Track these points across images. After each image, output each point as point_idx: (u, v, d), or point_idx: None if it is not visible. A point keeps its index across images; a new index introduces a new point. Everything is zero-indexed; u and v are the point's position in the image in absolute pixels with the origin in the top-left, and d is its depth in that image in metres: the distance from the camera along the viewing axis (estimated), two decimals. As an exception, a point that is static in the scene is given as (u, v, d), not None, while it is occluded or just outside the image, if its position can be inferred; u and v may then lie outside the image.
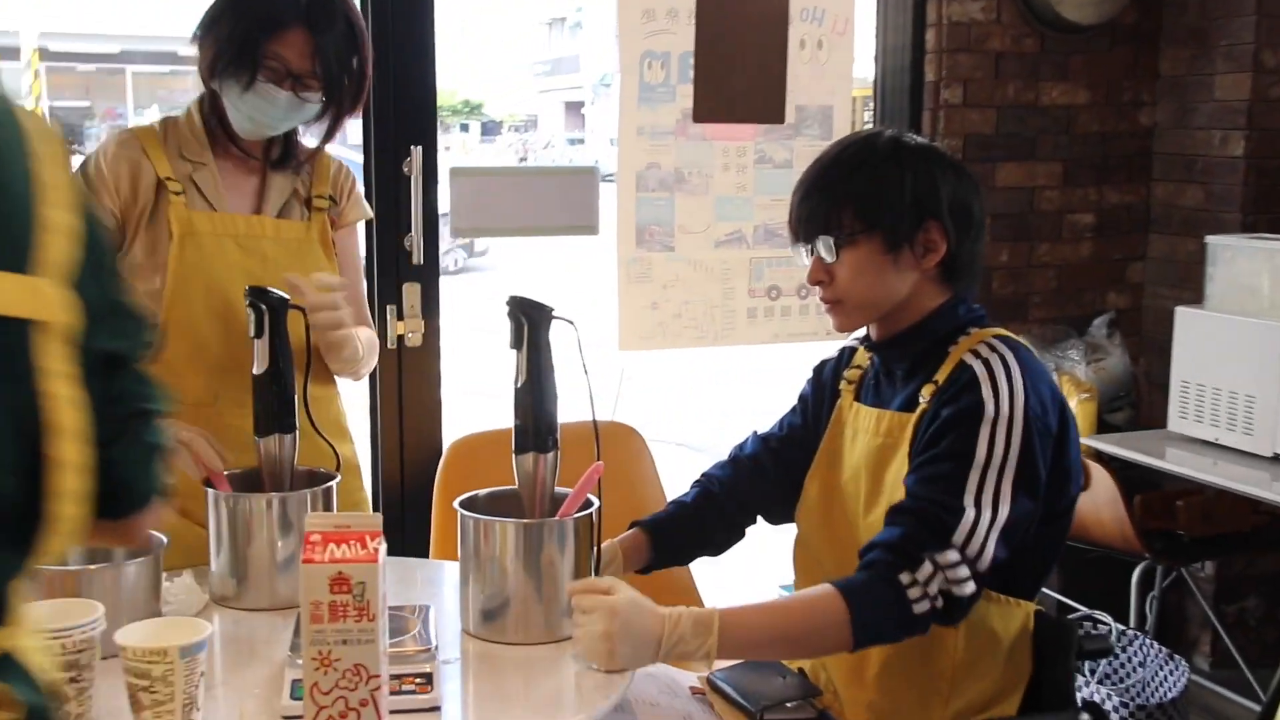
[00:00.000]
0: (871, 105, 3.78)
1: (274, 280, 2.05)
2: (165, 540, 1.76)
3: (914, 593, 1.68)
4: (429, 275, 3.15)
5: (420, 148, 3.07)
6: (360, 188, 2.33)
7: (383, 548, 1.39)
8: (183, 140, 2.15)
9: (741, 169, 3.39)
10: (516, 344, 1.79)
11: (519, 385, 1.80)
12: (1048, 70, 3.64)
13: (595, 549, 1.89)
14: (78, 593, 1.62)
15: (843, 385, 2.02)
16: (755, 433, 2.14)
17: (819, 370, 2.11)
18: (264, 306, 1.94)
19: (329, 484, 1.94)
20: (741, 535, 2.13)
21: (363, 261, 2.38)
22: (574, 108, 31.70)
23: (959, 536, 1.70)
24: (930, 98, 3.59)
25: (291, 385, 1.97)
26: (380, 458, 3.18)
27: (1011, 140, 3.61)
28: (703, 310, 3.40)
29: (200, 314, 2.08)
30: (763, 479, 2.09)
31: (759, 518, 2.13)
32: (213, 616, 1.84)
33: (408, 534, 3.04)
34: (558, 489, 1.85)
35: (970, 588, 1.70)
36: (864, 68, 3.63)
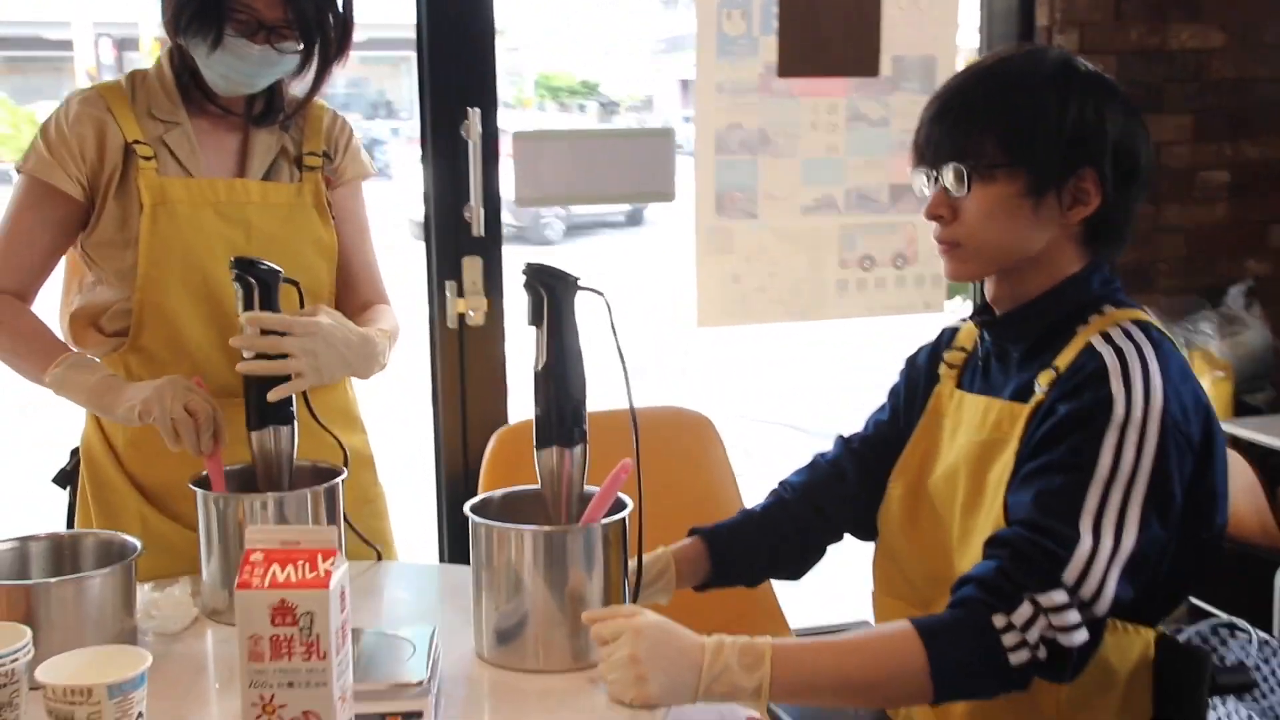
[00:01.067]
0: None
1: (260, 252, 1.82)
2: (139, 547, 1.55)
3: (1010, 640, 1.39)
4: (491, 248, 2.91)
5: (478, 110, 2.83)
6: (358, 141, 2.07)
7: (339, 569, 1.15)
8: (153, 97, 1.90)
9: (832, 128, 3.09)
10: (535, 320, 1.53)
11: (538, 369, 1.54)
12: (1176, 10, 3.28)
13: (637, 560, 1.63)
14: (31, 610, 1.41)
15: (942, 369, 1.73)
16: (840, 436, 1.86)
17: (912, 359, 1.82)
18: (252, 280, 1.71)
19: (334, 481, 1.71)
20: (820, 554, 1.85)
21: (368, 224, 2.10)
22: (689, 85, 31.37)
23: (1071, 572, 1.40)
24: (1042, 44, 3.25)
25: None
26: (441, 446, 2.97)
27: (1135, 90, 3.24)
28: (788, 283, 3.12)
29: (178, 294, 1.84)
30: (843, 485, 1.81)
31: (845, 534, 1.84)
32: (205, 633, 1.63)
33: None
34: (588, 488, 1.59)
35: (1081, 636, 1.39)
36: (968, 13, 3.29)
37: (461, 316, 2.90)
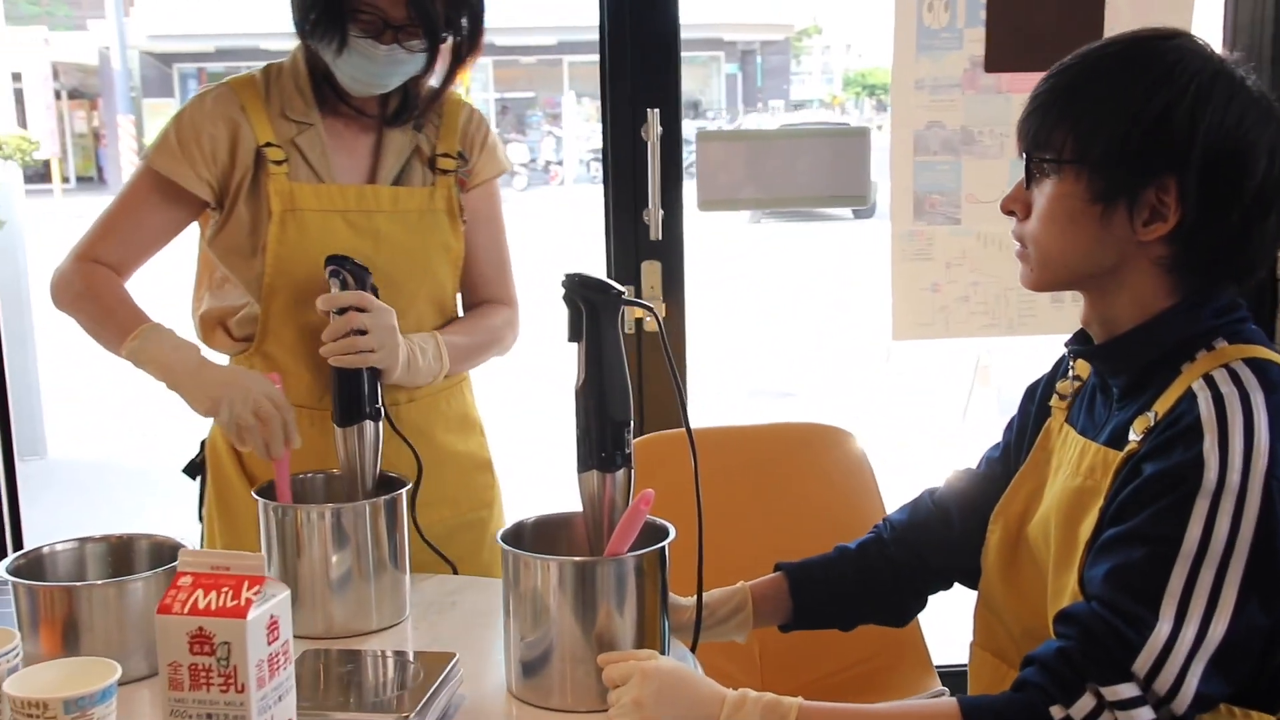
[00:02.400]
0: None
1: (388, 261, 1.80)
2: (188, 544, 1.54)
3: None
4: (671, 252, 2.82)
5: (657, 110, 2.75)
6: (495, 138, 1.99)
7: (273, 598, 1.08)
8: (287, 96, 1.86)
9: (1044, 125, 2.83)
10: (574, 335, 1.44)
11: (578, 386, 1.44)
12: None
13: (697, 595, 1.51)
14: (73, 613, 1.42)
15: (1054, 401, 1.53)
16: (953, 473, 1.68)
17: (1032, 388, 1.61)
18: (344, 274, 1.70)
19: (395, 492, 1.66)
20: (922, 602, 1.68)
21: (502, 222, 2.03)
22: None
23: (1143, 662, 1.20)
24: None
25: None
26: (617, 454, 2.90)
27: None
28: (994, 293, 2.88)
29: (304, 304, 1.81)
30: (946, 528, 1.63)
31: (953, 582, 1.66)
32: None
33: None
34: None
35: None
36: (1209, -3, 2.96)
37: (639, 322, 2.82)
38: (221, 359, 1.89)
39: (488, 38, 1.86)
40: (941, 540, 1.62)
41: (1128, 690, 1.19)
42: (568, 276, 1.43)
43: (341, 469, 1.71)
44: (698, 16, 21.89)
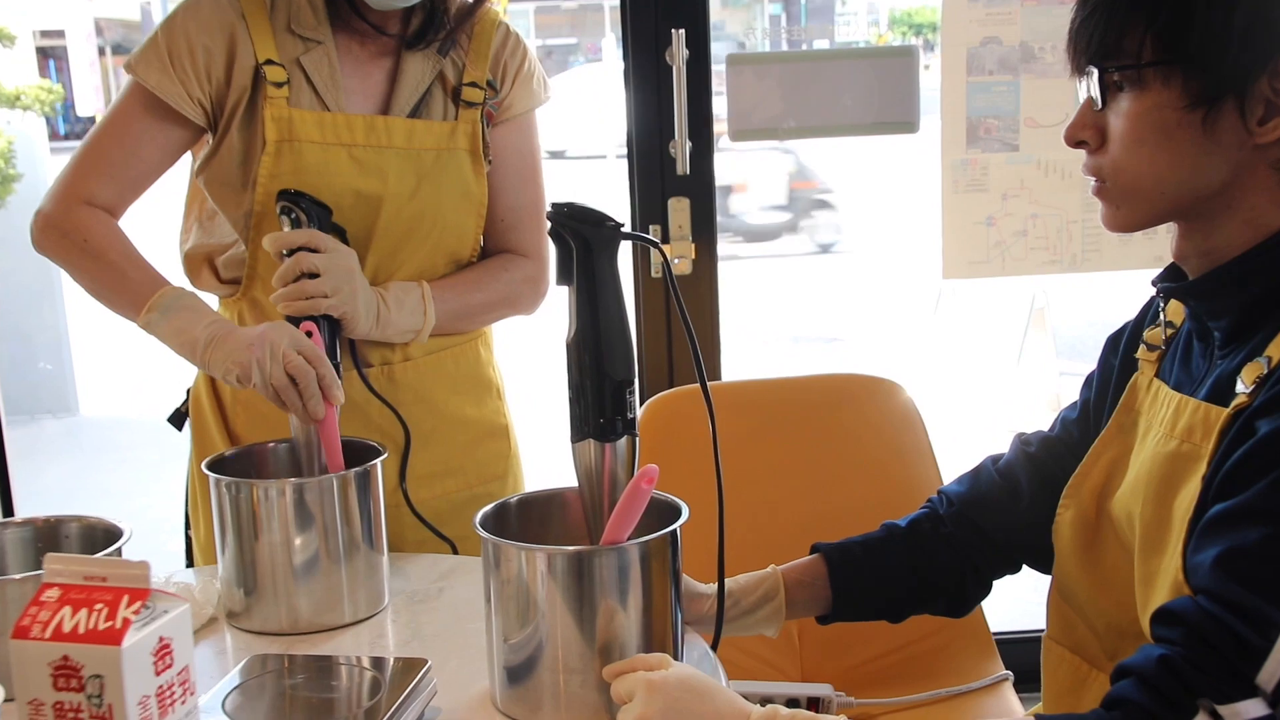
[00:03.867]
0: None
1: (395, 206, 1.57)
2: (125, 534, 1.31)
3: None
4: (700, 188, 2.57)
5: (682, 31, 2.48)
6: (534, 64, 1.71)
7: (162, 618, 0.86)
8: (295, 7, 1.58)
9: (1113, 39, 2.55)
10: (564, 277, 1.20)
11: (569, 339, 1.20)
12: None
13: (718, 583, 1.28)
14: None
15: (1141, 352, 1.28)
16: (1018, 435, 1.43)
17: (1114, 338, 1.36)
18: (299, 213, 1.47)
19: (370, 463, 1.43)
20: (985, 588, 1.43)
21: (537, 161, 1.74)
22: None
23: (1271, 672, 0.95)
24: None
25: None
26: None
27: None
28: (1055, 226, 2.61)
29: None
30: (1014, 501, 1.38)
31: (1020, 564, 1.42)
32: (208, 639, 1.39)
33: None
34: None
35: None
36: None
37: (665, 263, 2.57)
38: (211, 300, 1.66)
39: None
40: (1008, 515, 1.38)
41: (1253, 709, 0.95)
42: (554, 207, 1.19)
43: (295, 437, 1.48)
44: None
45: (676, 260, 2.58)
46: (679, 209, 2.57)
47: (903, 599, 1.41)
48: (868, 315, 7.43)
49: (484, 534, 1.17)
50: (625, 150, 2.59)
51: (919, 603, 1.42)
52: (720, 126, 2.63)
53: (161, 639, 0.87)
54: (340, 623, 1.41)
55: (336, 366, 1.49)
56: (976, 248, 2.63)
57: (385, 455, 1.46)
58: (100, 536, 1.34)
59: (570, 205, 1.19)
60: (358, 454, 1.47)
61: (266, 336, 1.44)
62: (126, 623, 0.84)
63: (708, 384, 1.25)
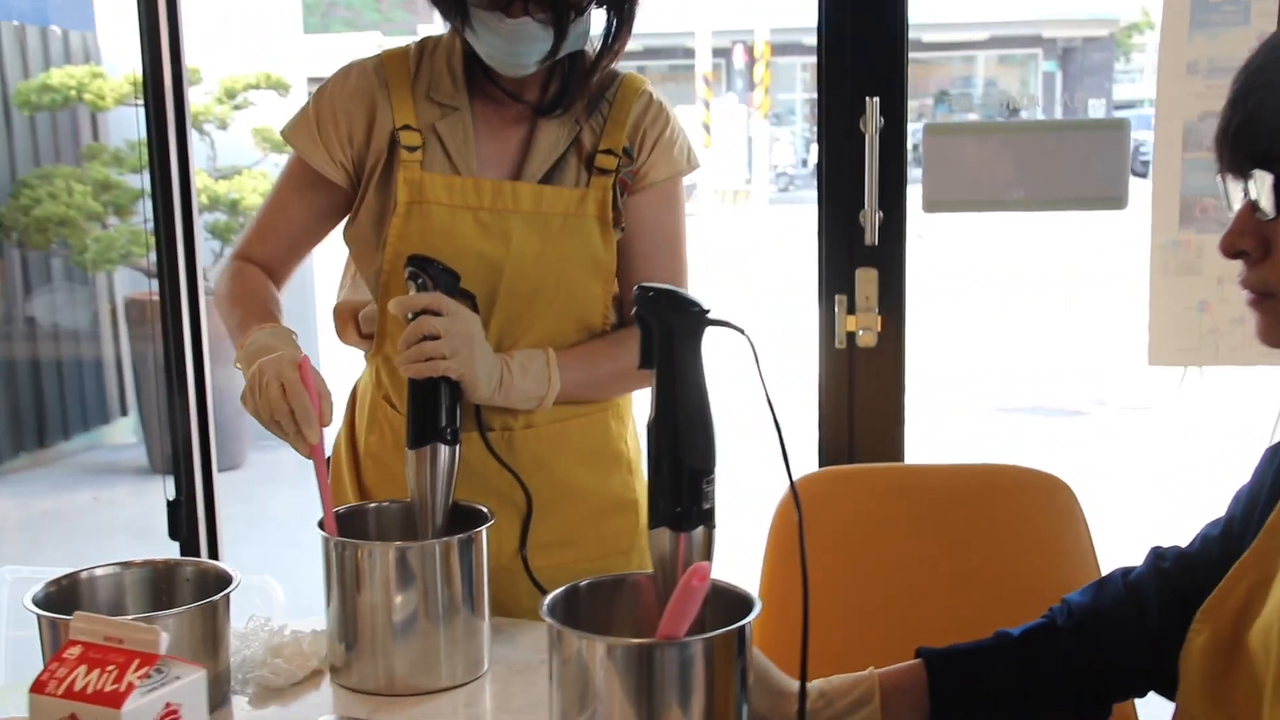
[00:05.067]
0: None
1: (517, 270, 1.59)
2: (234, 581, 1.37)
3: None
4: (890, 259, 2.51)
5: (877, 99, 2.44)
6: (677, 132, 1.70)
7: (173, 684, 0.88)
8: (436, 75, 1.64)
9: (1347, 116, 2.36)
10: (646, 360, 1.18)
11: (649, 422, 1.18)
12: None
13: (800, 684, 1.23)
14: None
15: None
16: (1154, 548, 1.33)
17: (1274, 451, 1.24)
18: (425, 279, 1.50)
19: (477, 530, 1.44)
20: (1105, 711, 1.32)
21: (678, 231, 1.73)
22: None
23: None
24: None
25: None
26: (823, 482, 2.60)
27: None
28: (1276, 316, 2.42)
29: None
30: (1140, 618, 1.27)
31: (1146, 689, 1.31)
32: (308, 695, 1.42)
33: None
34: (722, 583, 1.21)
35: None
36: None
37: (851, 335, 2.52)
38: (357, 355, 1.74)
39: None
40: (1132, 633, 1.27)
41: None
42: (639, 290, 1.17)
43: (411, 498, 1.50)
44: (1014, 13, 20.94)
45: (861, 332, 2.51)
46: (866, 280, 2.51)
47: (1005, 709, 1.32)
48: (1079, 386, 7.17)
49: (547, 617, 1.16)
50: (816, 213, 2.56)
51: (1023, 716, 1.32)
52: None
53: (168, 705, 0.89)
54: (436, 686, 1.42)
55: (456, 430, 1.51)
56: (1187, 334, 2.47)
57: (492, 521, 1.47)
58: (212, 581, 1.40)
59: (656, 289, 1.17)
60: (467, 518, 1.48)
61: (260, 369, 1.46)
62: (130, 687, 0.86)
63: (793, 473, 1.21)
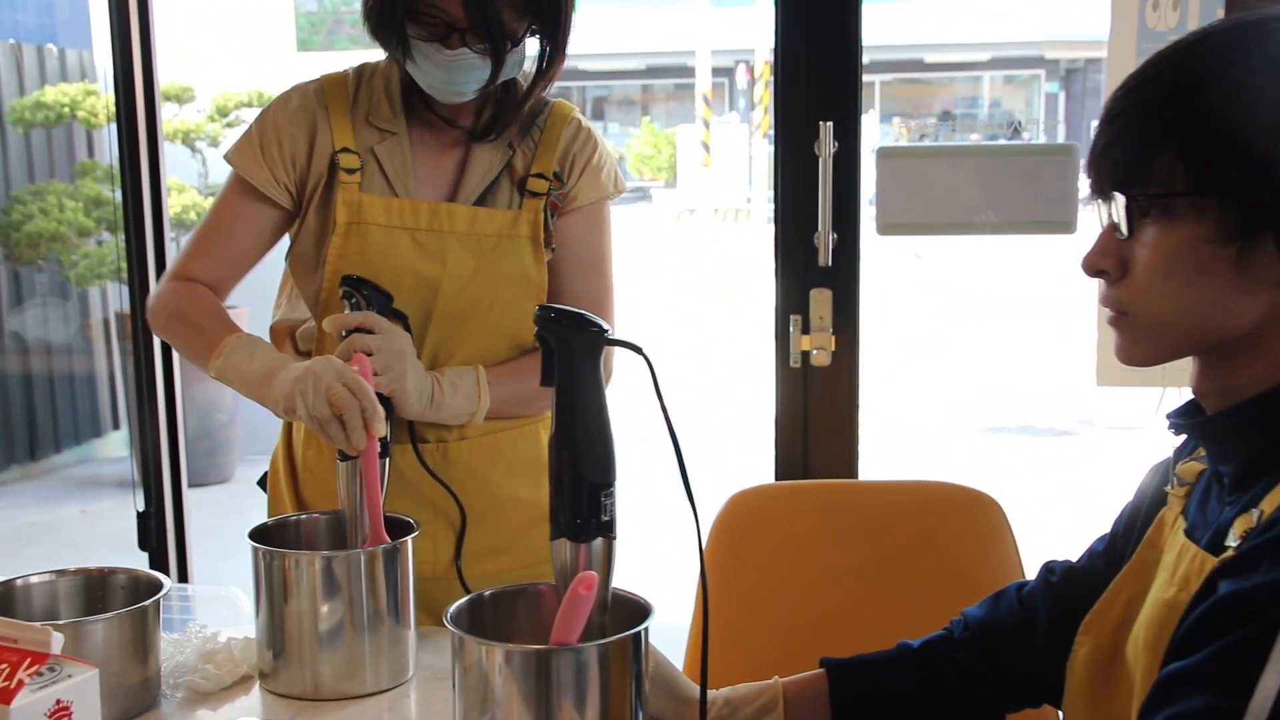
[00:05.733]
0: None
1: (454, 289, 1.64)
2: (164, 587, 1.42)
3: None
4: (843, 280, 2.56)
5: (831, 123, 2.49)
6: (604, 158, 1.77)
7: (64, 681, 0.92)
8: (374, 100, 1.71)
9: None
10: (547, 378, 1.23)
11: (550, 439, 1.23)
12: None
13: (700, 690, 1.27)
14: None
15: (1171, 487, 1.21)
16: (1046, 563, 1.38)
17: (1154, 470, 1.29)
18: (359, 298, 1.55)
19: (402, 540, 1.49)
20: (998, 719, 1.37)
21: (605, 252, 1.80)
22: None
23: None
24: None
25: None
26: (779, 498, 2.65)
27: None
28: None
29: None
30: (1030, 631, 1.33)
31: (1040, 700, 1.35)
32: (237, 699, 1.47)
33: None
34: (623, 592, 1.26)
35: None
36: None
37: (806, 355, 2.57)
38: None
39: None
40: (1022, 645, 1.32)
41: None
42: (540, 309, 1.22)
43: (343, 510, 1.55)
44: (1016, 35, 21.03)
45: (815, 351, 2.56)
46: (820, 300, 2.56)
47: (902, 716, 1.36)
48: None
49: (450, 626, 1.21)
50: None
51: None
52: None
53: (59, 701, 0.94)
54: (360, 691, 1.46)
55: (386, 444, 1.56)
56: (1133, 355, 2.51)
57: (417, 532, 1.52)
58: (144, 588, 1.45)
59: (556, 309, 1.22)
60: (396, 529, 1.53)
61: (311, 370, 1.50)
62: (20, 684, 0.91)
63: (688, 487, 1.25)
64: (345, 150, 1.68)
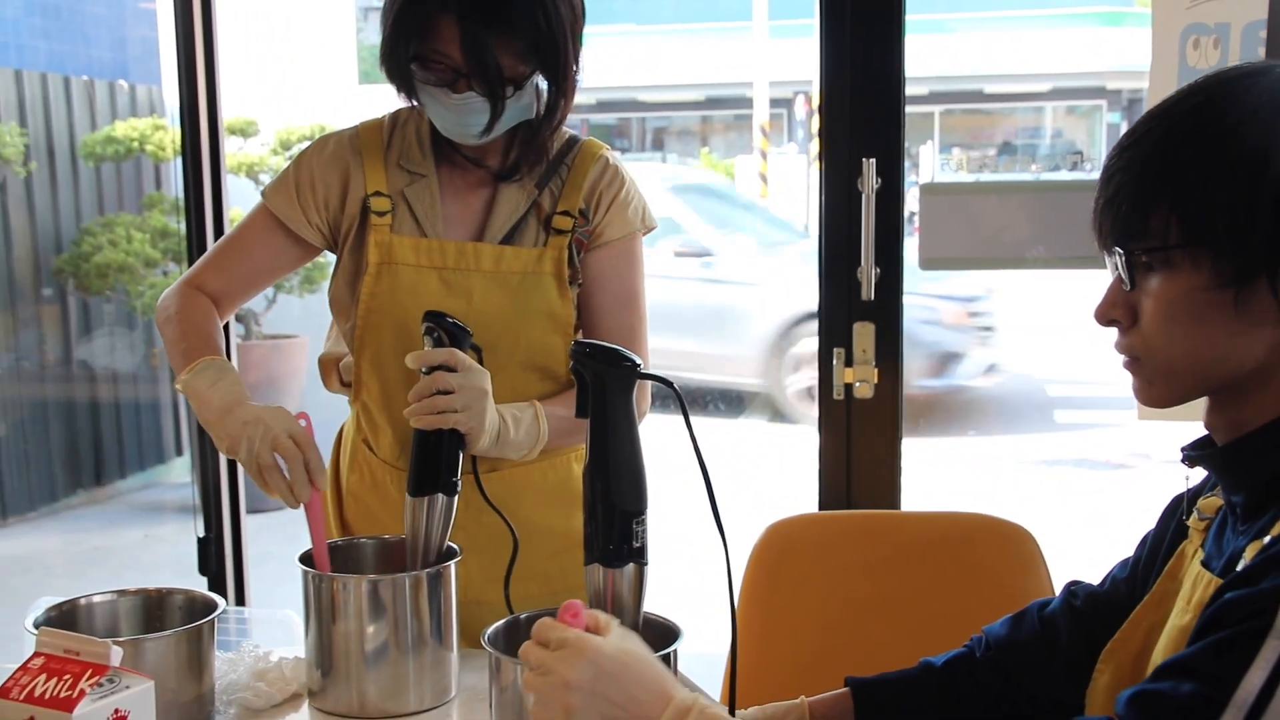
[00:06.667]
0: None
1: (480, 325, 1.68)
2: (222, 606, 1.49)
3: None
4: (887, 314, 2.60)
5: (873, 160, 2.54)
6: (632, 194, 1.81)
7: (122, 692, 0.99)
8: (406, 144, 1.78)
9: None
10: (582, 411, 1.28)
11: (584, 468, 1.28)
12: None
13: (729, 709, 1.32)
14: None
15: (1193, 520, 1.25)
16: (1068, 584, 1.42)
17: (1176, 500, 1.33)
18: (440, 334, 1.59)
19: (445, 564, 1.55)
20: None
21: (636, 287, 1.83)
22: None
23: None
24: None
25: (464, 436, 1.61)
26: (822, 529, 2.69)
27: None
28: None
29: (389, 361, 1.74)
30: (1050, 651, 1.36)
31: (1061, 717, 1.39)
32: (286, 716, 1.53)
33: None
34: (654, 616, 1.31)
35: None
36: None
37: (849, 387, 2.61)
38: (340, 400, 1.86)
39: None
40: (1042, 667, 1.36)
41: None
42: (575, 345, 1.28)
43: (407, 540, 1.61)
44: (1076, 65, 20.92)
45: (858, 384, 2.60)
46: (863, 333, 2.61)
47: None
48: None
49: (487, 646, 1.26)
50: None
51: None
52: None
53: (117, 710, 1.01)
54: (405, 710, 1.52)
55: (456, 481, 1.60)
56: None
57: (460, 557, 1.57)
58: (199, 608, 1.52)
59: (591, 344, 1.28)
60: (446, 555, 1.59)
61: (262, 419, 1.56)
62: (82, 694, 0.98)
63: (720, 518, 1.30)
64: (377, 194, 1.75)
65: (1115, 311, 1.14)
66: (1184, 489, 1.32)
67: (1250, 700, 0.94)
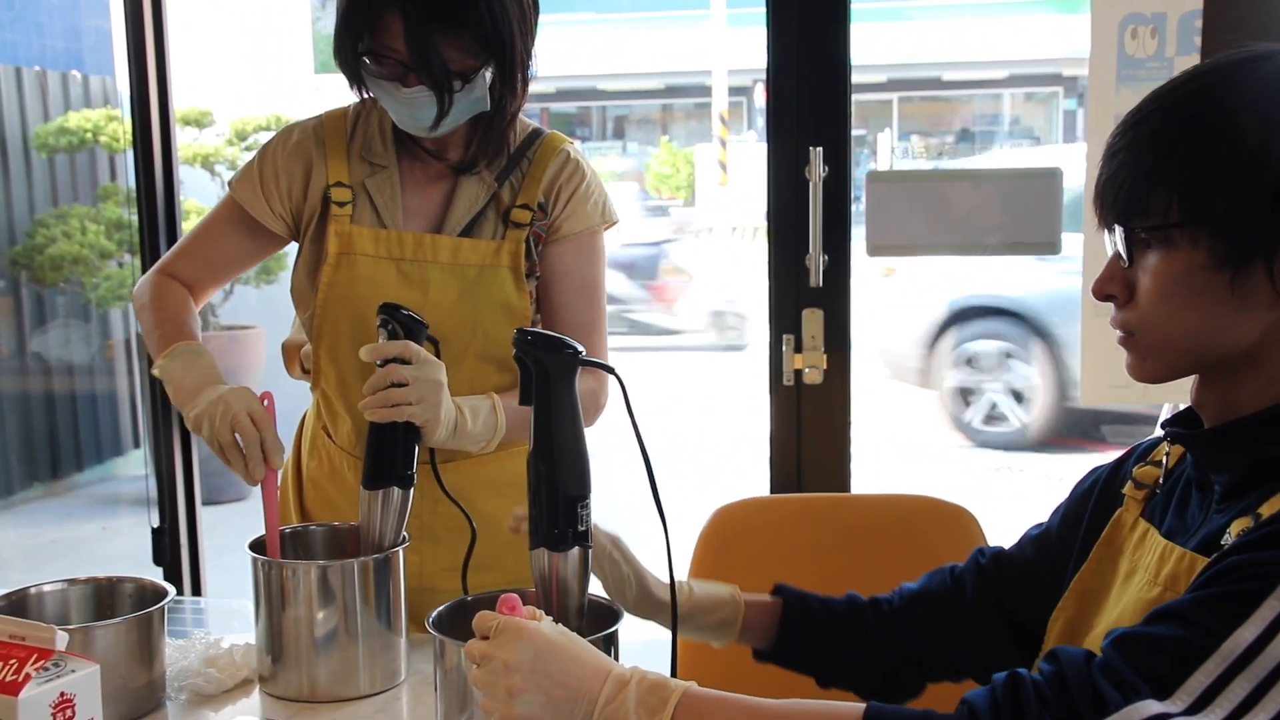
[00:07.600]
0: None
1: (435, 316, 1.67)
2: (169, 594, 1.50)
3: None
4: (835, 300, 2.64)
5: (820, 149, 2.58)
6: (593, 188, 1.81)
7: (67, 676, 1.01)
8: (369, 136, 1.79)
9: (1266, 165, 2.48)
10: (525, 398, 1.31)
11: (529, 454, 1.31)
12: None
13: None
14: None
15: (1128, 489, 1.29)
16: (979, 548, 1.47)
17: (1096, 473, 1.37)
18: (396, 326, 1.59)
19: (393, 550, 1.57)
20: (916, 688, 1.47)
21: (596, 280, 1.84)
22: None
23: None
24: None
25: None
26: (774, 513, 2.72)
27: None
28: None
29: (346, 351, 1.75)
30: (956, 602, 1.44)
31: (964, 675, 1.45)
32: (238, 700, 1.55)
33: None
34: (598, 598, 1.34)
35: None
36: None
37: (799, 373, 2.65)
38: (304, 387, 1.88)
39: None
40: (948, 616, 1.43)
41: None
42: (519, 333, 1.30)
43: (361, 532, 1.61)
44: (1033, 52, 21.07)
45: (808, 370, 2.64)
46: (812, 319, 2.64)
47: (833, 664, 1.46)
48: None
49: (432, 630, 1.29)
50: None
51: (845, 675, 1.47)
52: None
53: (63, 694, 1.02)
54: (354, 694, 1.54)
55: (411, 474, 1.60)
56: (1119, 373, 2.57)
57: (407, 543, 1.59)
58: (150, 596, 1.53)
59: (534, 333, 1.30)
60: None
61: (224, 398, 1.60)
62: (28, 677, 0.99)
63: (658, 501, 1.33)
64: (338, 184, 1.76)
65: (1112, 287, 1.16)
66: (1105, 463, 1.36)
67: (1237, 653, 0.97)
